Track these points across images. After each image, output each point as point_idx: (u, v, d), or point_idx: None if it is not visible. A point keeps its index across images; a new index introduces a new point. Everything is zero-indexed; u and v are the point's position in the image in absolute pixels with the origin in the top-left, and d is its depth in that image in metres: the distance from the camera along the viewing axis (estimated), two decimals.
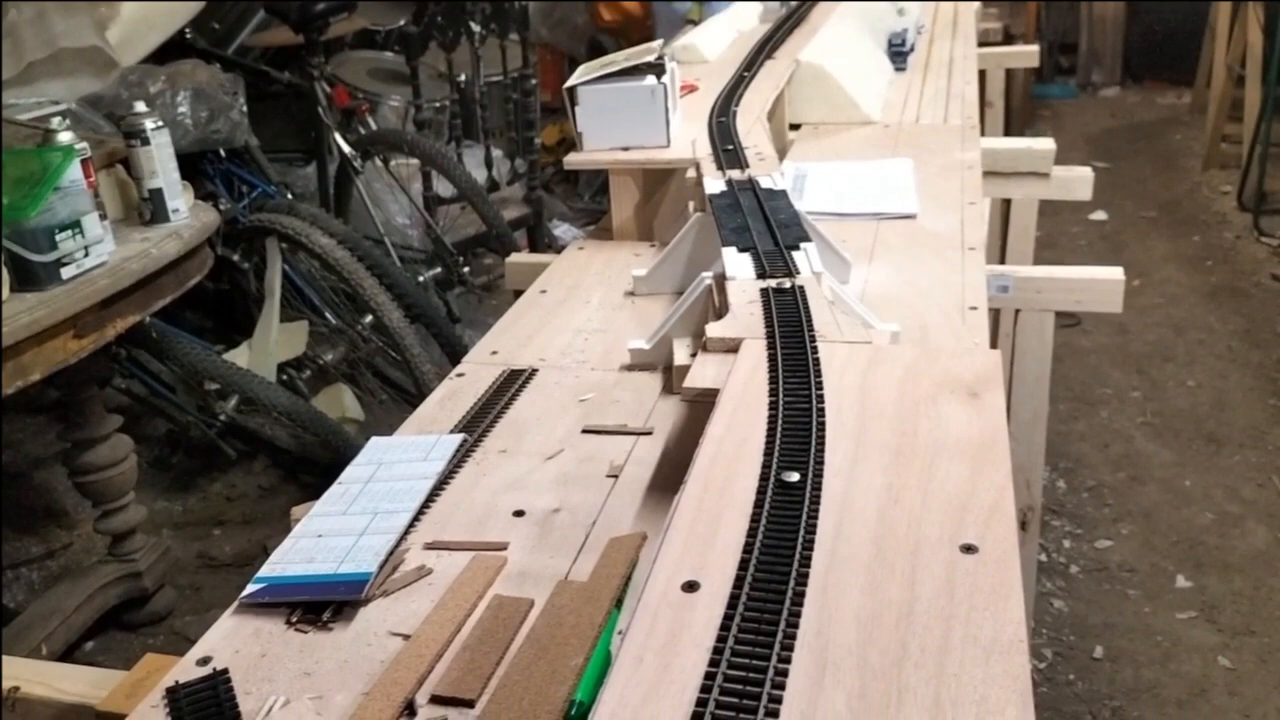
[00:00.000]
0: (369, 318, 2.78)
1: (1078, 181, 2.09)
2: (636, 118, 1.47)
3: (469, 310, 3.45)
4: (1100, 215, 4.35)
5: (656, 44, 1.53)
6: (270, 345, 2.76)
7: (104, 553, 2.42)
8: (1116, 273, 1.60)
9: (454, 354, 2.88)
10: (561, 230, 4.43)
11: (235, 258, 2.93)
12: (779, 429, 0.76)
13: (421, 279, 3.18)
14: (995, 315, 1.82)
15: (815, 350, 0.88)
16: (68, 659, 2.30)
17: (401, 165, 3.30)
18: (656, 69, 1.47)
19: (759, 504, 0.67)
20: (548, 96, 5.06)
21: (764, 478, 0.70)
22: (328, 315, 3.08)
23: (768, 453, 0.73)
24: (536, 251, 3.79)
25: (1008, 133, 4.29)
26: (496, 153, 3.59)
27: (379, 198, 3.36)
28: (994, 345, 1.90)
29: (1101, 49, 6.03)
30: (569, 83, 1.49)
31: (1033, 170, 2.06)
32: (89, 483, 2.26)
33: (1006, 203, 2.20)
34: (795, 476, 0.69)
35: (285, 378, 2.87)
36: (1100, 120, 5.65)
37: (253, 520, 2.85)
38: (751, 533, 0.65)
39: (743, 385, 0.84)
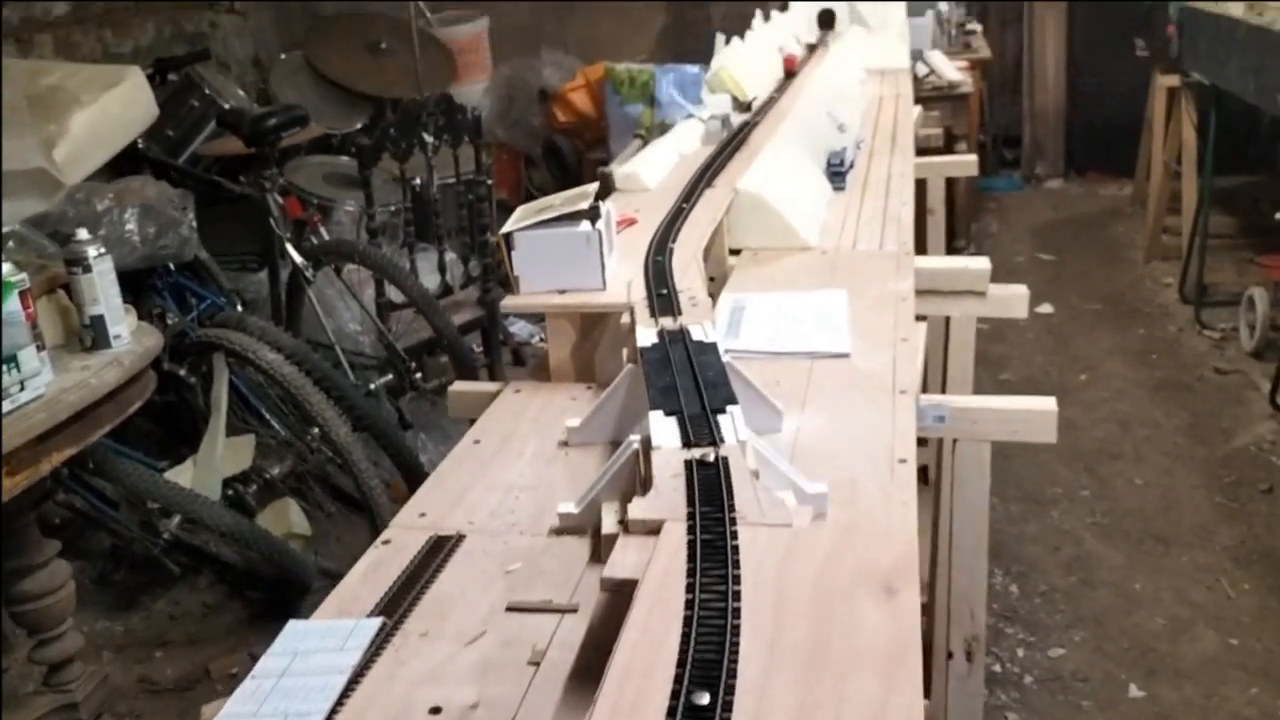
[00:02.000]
0: (316, 430, 2.76)
1: (1014, 299, 2.12)
2: (572, 262, 1.49)
3: (422, 414, 3.44)
4: (1047, 308, 4.43)
5: (592, 188, 1.55)
6: (216, 461, 2.72)
7: (40, 681, 2.34)
8: (1049, 403, 1.63)
9: (403, 464, 2.86)
10: (517, 327, 4.44)
11: (182, 372, 2.90)
12: (693, 636, 0.75)
13: (373, 386, 3.17)
14: (937, 444, 1.84)
15: (735, 535, 0.88)
16: None
17: (353, 272, 3.31)
18: (591, 214, 1.49)
19: None
20: (503, 194, 5.12)
21: (675, 696, 0.70)
22: (275, 426, 3.06)
23: (680, 664, 0.73)
24: (491, 352, 3.80)
25: (954, 228, 4.38)
26: (451, 256, 3.61)
27: (331, 305, 3.36)
28: (936, 474, 1.92)
29: (1044, 142, 6.21)
30: (505, 228, 1.51)
31: (970, 289, 2.09)
32: (24, 611, 2.20)
33: (947, 319, 2.24)
34: (706, 699, 0.69)
35: (231, 493, 2.83)
36: (1044, 212, 5.79)
37: (196, 640, 2.79)
38: None
39: (660, 579, 0.84)
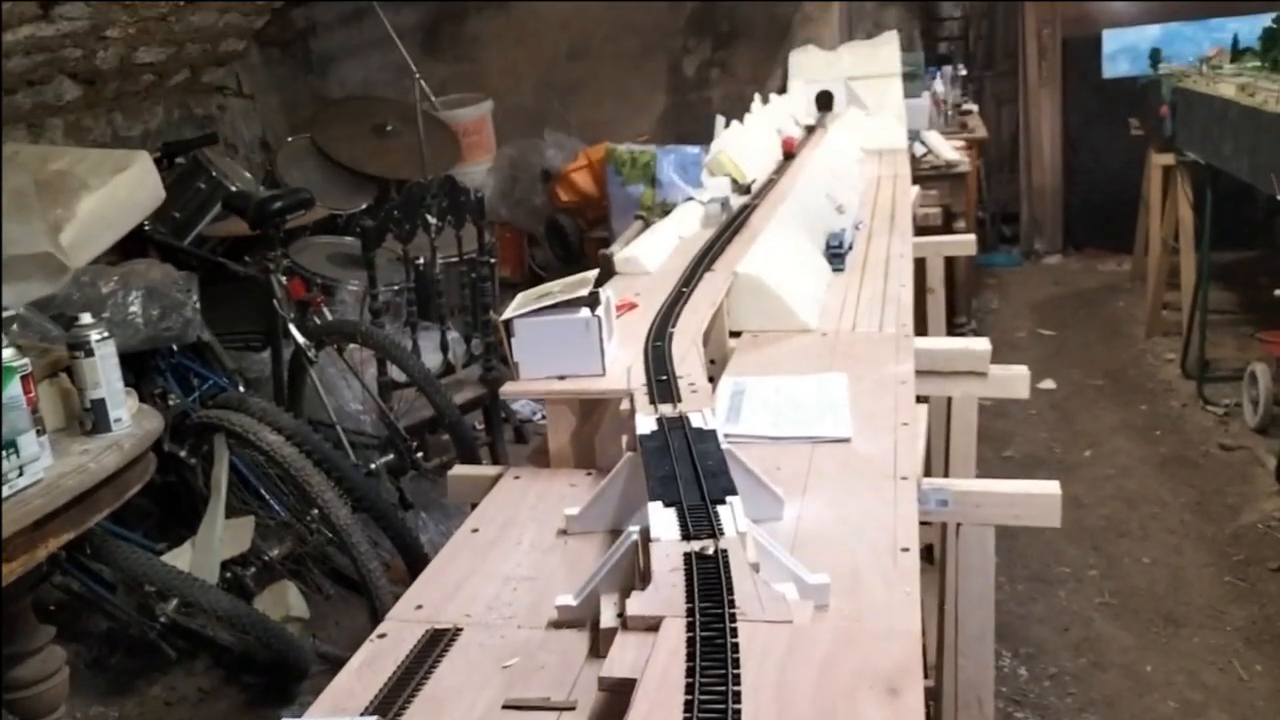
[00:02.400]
0: (316, 511, 2.74)
1: (1015, 380, 2.12)
2: (571, 348, 1.49)
3: (423, 494, 3.42)
4: (1049, 384, 4.43)
5: (591, 274, 1.56)
6: (214, 543, 2.70)
7: None
8: (1053, 487, 1.61)
9: (403, 545, 2.84)
10: (520, 405, 4.43)
11: (183, 453, 2.90)
12: None
13: (374, 465, 3.16)
14: (941, 528, 1.82)
15: (735, 633, 0.87)
16: None
17: (355, 351, 3.32)
18: (591, 301, 1.50)
19: None
20: (507, 272, 5.17)
21: None
22: (275, 507, 3.04)
23: None
24: (492, 430, 3.79)
25: (954, 304, 4.40)
26: (453, 334, 3.62)
27: (332, 384, 3.36)
28: (941, 554, 1.90)
29: (1042, 218, 6.27)
30: (505, 315, 1.52)
31: (970, 370, 2.09)
32: (18, 699, 2.17)
33: (949, 399, 2.24)
34: None
35: (230, 575, 2.80)
36: (1044, 288, 5.82)
37: None
38: None
39: (658, 679, 0.82)
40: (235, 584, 2.79)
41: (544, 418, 1.55)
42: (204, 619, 2.71)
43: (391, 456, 3.21)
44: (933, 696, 1.82)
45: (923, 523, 1.37)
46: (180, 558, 2.66)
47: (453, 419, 3.11)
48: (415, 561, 2.73)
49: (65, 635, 2.29)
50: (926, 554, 2.22)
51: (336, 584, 3.03)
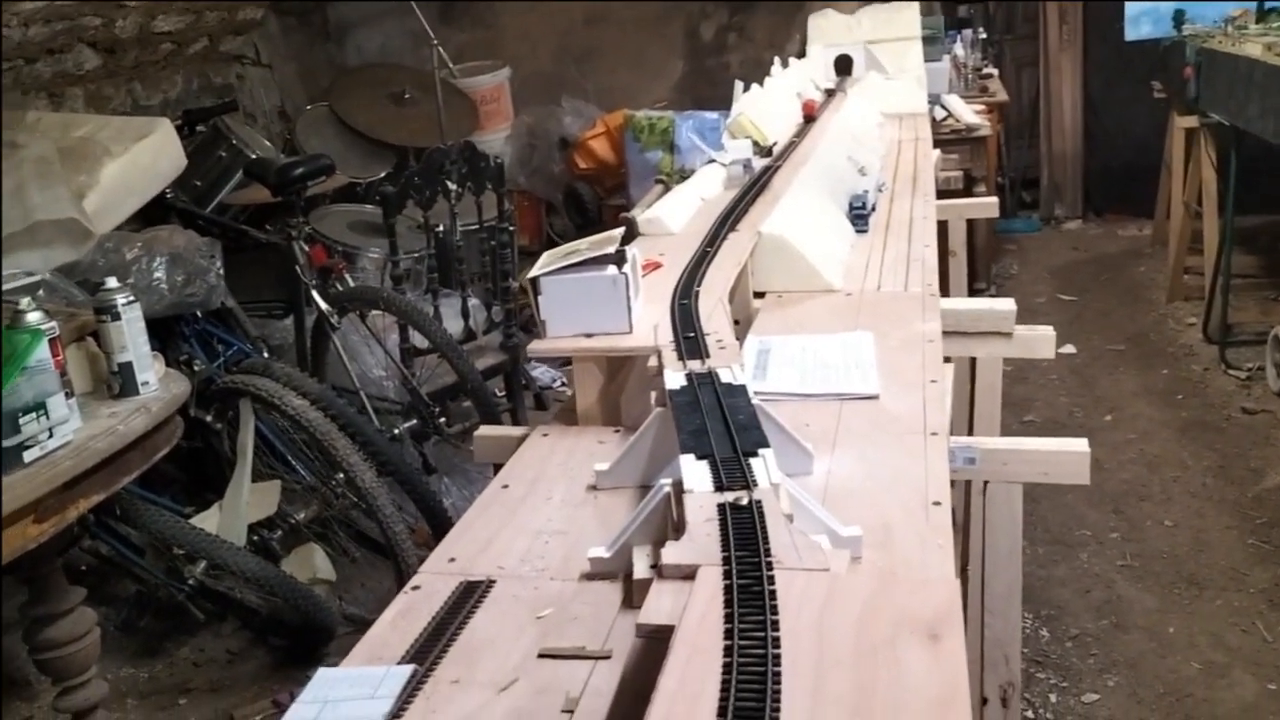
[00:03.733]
0: (341, 475, 2.76)
1: (1040, 340, 2.11)
2: (598, 306, 1.49)
3: (446, 459, 3.43)
4: (1070, 349, 4.41)
5: (618, 232, 1.56)
6: (241, 507, 2.73)
7: None
8: (1081, 444, 1.61)
9: (427, 509, 2.85)
10: (540, 371, 4.44)
11: (209, 418, 2.92)
12: (734, 684, 0.74)
13: (397, 431, 3.17)
14: (966, 484, 1.82)
15: (772, 580, 0.87)
16: None
17: (378, 318, 3.33)
18: (617, 258, 1.50)
19: None
20: (526, 240, 5.16)
21: None
22: (301, 471, 3.06)
23: (721, 714, 0.72)
24: (513, 397, 3.80)
25: (975, 269, 4.38)
26: (474, 301, 3.63)
27: (355, 351, 3.37)
28: (965, 516, 1.90)
29: (1062, 184, 6.21)
30: (532, 273, 1.52)
31: (995, 330, 2.08)
32: (49, 659, 2.20)
33: (973, 360, 2.23)
34: None
35: (257, 538, 2.83)
36: (1064, 253, 5.78)
37: (220, 688, 2.78)
38: None
39: (697, 625, 0.83)
40: (262, 547, 2.82)
41: (564, 385, 1.56)
42: (232, 581, 2.74)
43: (414, 422, 3.22)
44: None
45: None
46: (208, 521, 2.69)
47: (475, 384, 3.12)
48: (440, 525, 2.75)
49: (95, 599, 2.31)
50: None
51: (362, 547, 3.06)
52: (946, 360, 2.08)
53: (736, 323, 1.90)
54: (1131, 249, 5.72)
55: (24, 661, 2.77)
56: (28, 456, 1.78)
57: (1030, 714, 2.46)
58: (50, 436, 1.83)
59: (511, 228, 3.67)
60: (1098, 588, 2.90)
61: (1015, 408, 3.89)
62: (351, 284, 3.26)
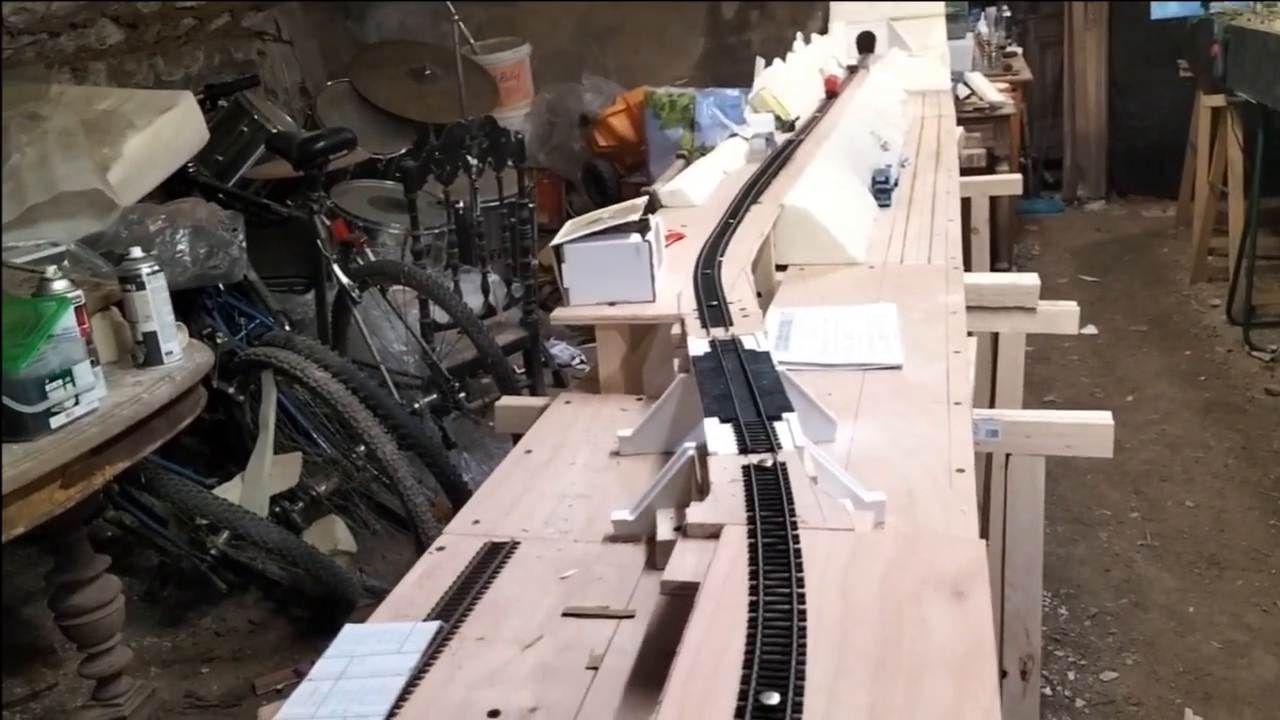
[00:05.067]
0: (362, 448, 2.78)
1: (1064, 316, 2.10)
2: (622, 274, 1.49)
3: (465, 434, 3.45)
4: (1091, 330, 4.38)
5: (641, 201, 1.56)
6: (263, 478, 2.75)
7: (89, 695, 2.36)
8: (1105, 417, 1.60)
9: (447, 482, 2.87)
10: (559, 349, 4.45)
11: (231, 390, 2.93)
12: (759, 637, 0.75)
13: (417, 406, 3.19)
14: (987, 459, 1.82)
15: (797, 539, 0.88)
16: None
17: (399, 292, 3.34)
18: (641, 226, 1.50)
19: None
20: (545, 218, 5.15)
21: (743, 697, 0.69)
22: (322, 444, 3.08)
23: (747, 665, 0.72)
24: (533, 373, 3.81)
25: (996, 249, 4.35)
26: (494, 278, 3.63)
27: (376, 325, 3.38)
28: (986, 490, 1.89)
29: (1086, 164, 6.16)
30: (555, 240, 1.52)
31: (1019, 305, 2.07)
32: (75, 626, 2.23)
33: (995, 336, 2.22)
34: (775, 698, 0.68)
35: (278, 510, 2.85)
36: (1087, 234, 5.73)
37: (242, 657, 2.80)
38: None
39: (722, 581, 0.83)
40: (283, 519, 2.84)
41: (583, 363, 1.55)
42: (254, 552, 2.77)
43: (435, 396, 3.23)
44: None
45: None
46: (230, 492, 2.71)
47: (495, 359, 3.13)
48: (459, 499, 2.76)
49: (119, 569, 2.34)
50: None
51: (382, 520, 3.08)
52: (969, 335, 2.08)
53: (759, 295, 1.89)
54: (1155, 230, 5.67)
55: (48, 630, 2.81)
56: (54, 423, 1.80)
57: (1048, 691, 2.45)
58: (76, 404, 1.85)
59: (531, 204, 3.67)
60: (1117, 567, 2.89)
61: (1036, 387, 3.87)
62: (372, 258, 3.27)
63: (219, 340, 2.99)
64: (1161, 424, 3.62)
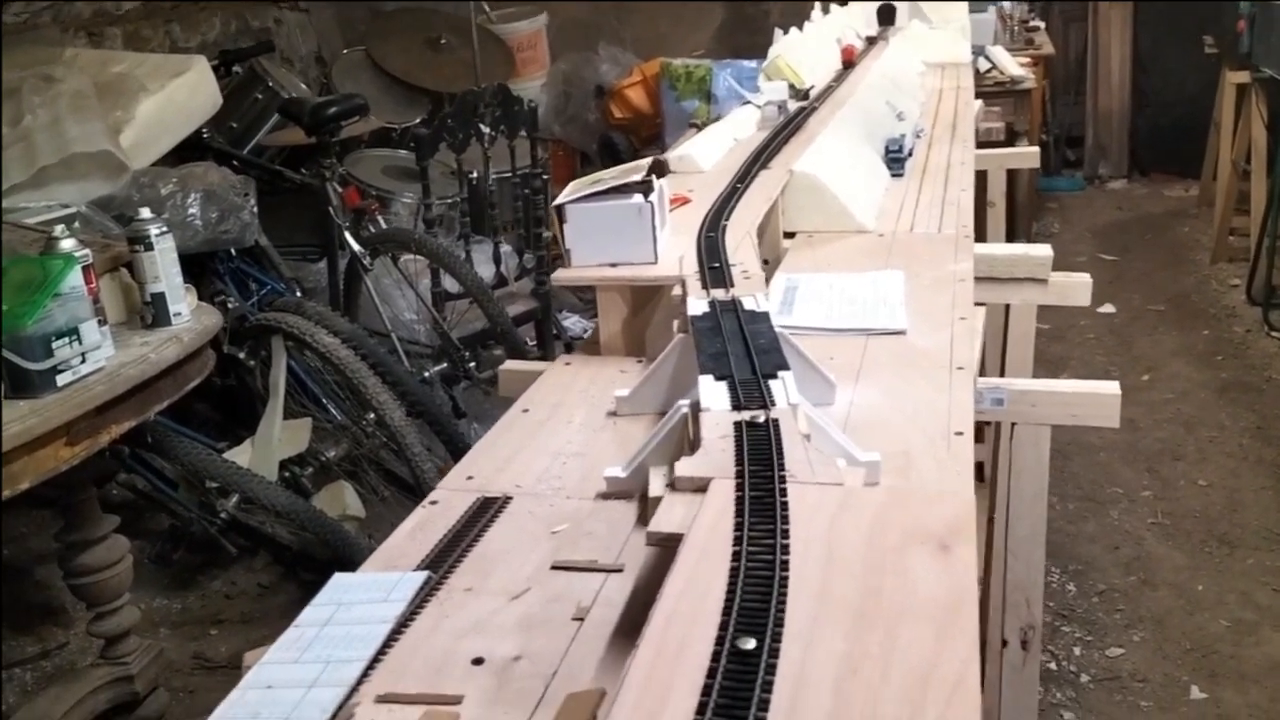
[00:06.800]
0: (372, 414, 2.78)
1: (1076, 287, 2.07)
2: (624, 235, 1.48)
3: (475, 404, 3.45)
4: (1109, 308, 4.34)
5: (645, 162, 1.55)
6: (273, 443, 2.76)
7: (99, 654, 2.39)
8: (1112, 387, 1.58)
9: (456, 451, 2.87)
10: (571, 321, 4.44)
11: (242, 355, 2.94)
12: (740, 585, 0.74)
13: (427, 374, 3.19)
14: (995, 429, 1.80)
15: (784, 493, 0.87)
16: None
17: (410, 261, 3.34)
18: (644, 187, 1.49)
19: (712, 673, 0.66)
20: (558, 189, 5.12)
21: (720, 642, 0.68)
22: (332, 410, 3.09)
23: (726, 612, 0.72)
24: (544, 344, 3.80)
25: (1014, 227, 4.31)
26: (506, 248, 3.63)
27: (387, 294, 3.39)
28: (993, 460, 1.88)
29: (1108, 142, 6.08)
30: (557, 200, 1.51)
31: (1031, 276, 2.04)
32: (83, 585, 2.25)
33: (1007, 307, 2.20)
34: (752, 643, 0.67)
35: (288, 474, 2.86)
36: (1107, 213, 5.67)
37: (250, 620, 2.83)
38: (701, 708, 0.63)
39: (707, 532, 0.82)
40: (293, 483, 2.85)
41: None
42: (263, 516, 2.78)
43: (445, 365, 3.24)
44: (979, 602, 1.81)
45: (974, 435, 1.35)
46: (240, 456, 2.72)
47: (506, 329, 3.13)
48: None
49: (130, 532, 2.35)
50: (977, 472, 2.19)
51: (391, 486, 3.09)
52: (980, 305, 2.06)
53: (765, 262, 1.88)
54: (1177, 209, 5.61)
55: (59, 590, 2.84)
56: (60, 380, 1.81)
57: (1054, 666, 2.45)
58: (83, 362, 1.85)
59: (545, 175, 3.66)
60: (1127, 544, 2.87)
61: (1050, 365, 3.84)
62: (384, 226, 3.27)
63: (230, 305, 3.00)
64: (1177, 403, 3.59)
